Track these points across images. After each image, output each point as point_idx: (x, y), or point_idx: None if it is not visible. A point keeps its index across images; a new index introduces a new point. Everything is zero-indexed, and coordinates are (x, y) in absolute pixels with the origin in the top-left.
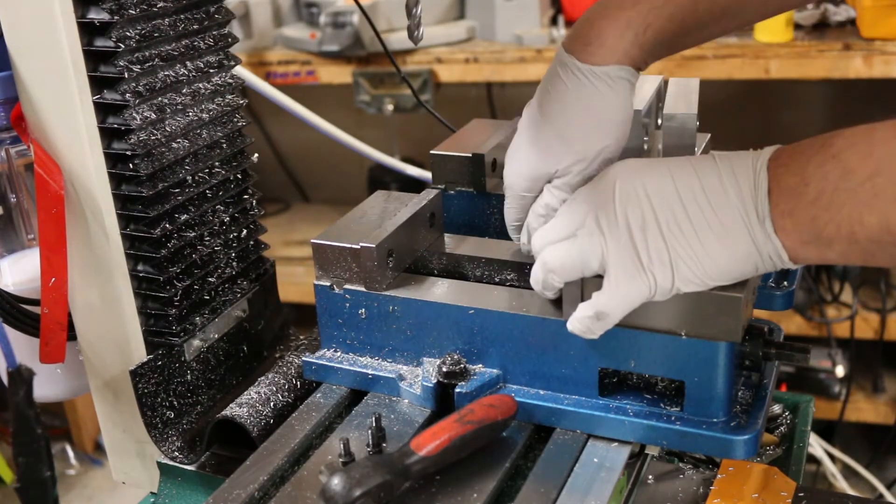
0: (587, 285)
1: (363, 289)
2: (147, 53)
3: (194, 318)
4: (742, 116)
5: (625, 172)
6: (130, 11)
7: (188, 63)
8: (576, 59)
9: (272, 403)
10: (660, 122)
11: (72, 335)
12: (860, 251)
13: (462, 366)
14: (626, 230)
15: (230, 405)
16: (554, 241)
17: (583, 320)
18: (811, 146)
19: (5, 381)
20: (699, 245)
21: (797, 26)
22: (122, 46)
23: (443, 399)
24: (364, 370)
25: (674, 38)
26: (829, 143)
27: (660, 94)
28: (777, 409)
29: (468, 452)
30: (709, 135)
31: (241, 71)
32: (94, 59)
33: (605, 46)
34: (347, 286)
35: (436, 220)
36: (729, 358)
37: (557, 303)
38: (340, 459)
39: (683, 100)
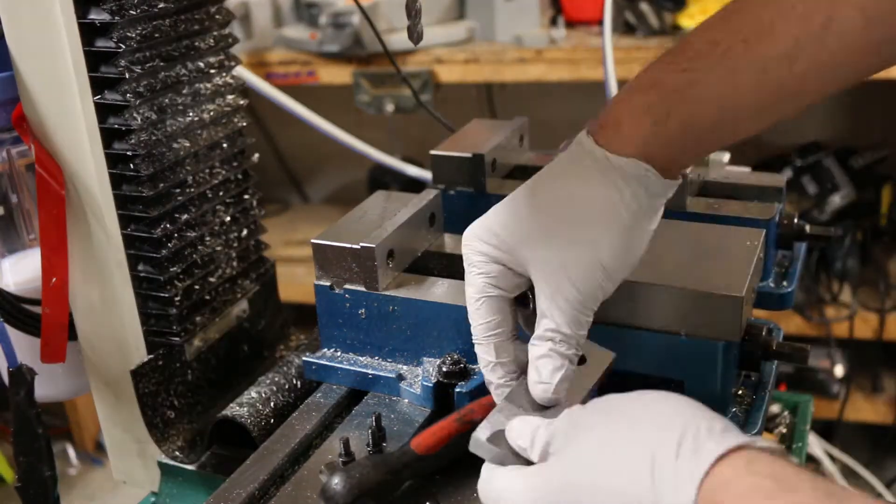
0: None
1: (363, 289)
2: (148, 54)
3: (195, 318)
4: None
5: None
6: (131, 12)
7: (189, 64)
8: (592, 139)
9: (272, 403)
10: None
11: (72, 335)
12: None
13: (462, 366)
14: None
15: (230, 405)
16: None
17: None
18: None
19: (6, 380)
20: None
21: None
22: (123, 47)
23: (442, 399)
24: (364, 370)
25: (710, 130)
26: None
27: None
28: (776, 408)
29: (468, 452)
30: None
31: (241, 71)
32: (94, 59)
33: (620, 132)
34: (347, 286)
35: (436, 220)
36: (728, 358)
37: None
38: (340, 459)
39: None
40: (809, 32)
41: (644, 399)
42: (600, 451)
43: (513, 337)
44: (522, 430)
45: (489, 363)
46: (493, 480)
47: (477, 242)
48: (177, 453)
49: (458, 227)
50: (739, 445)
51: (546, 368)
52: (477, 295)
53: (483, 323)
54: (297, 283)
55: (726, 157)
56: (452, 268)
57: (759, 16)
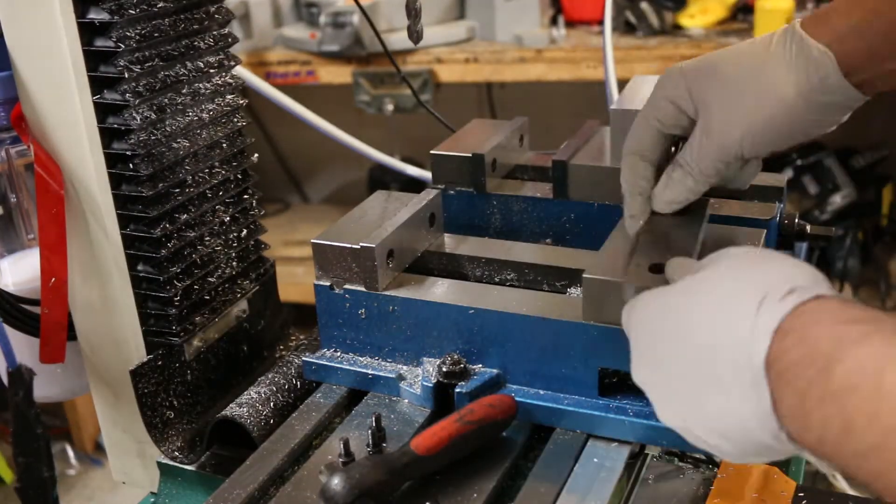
0: None
1: (363, 289)
2: (147, 53)
3: (194, 318)
4: None
5: None
6: (130, 11)
7: (188, 63)
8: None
9: (272, 403)
10: None
11: (72, 335)
12: None
13: (462, 366)
14: None
15: (230, 405)
16: None
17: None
18: (810, 360)
19: (5, 381)
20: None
21: None
22: (123, 46)
23: (443, 399)
24: (364, 370)
25: None
26: (829, 370)
27: None
28: None
29: (468, 452)
30: None
31: (241, 71)
32: (94, 59)
33: (826, 22)
34: (347, 286)
35: (436, 220)
36: None
37: (557, 303)
38: (340, 459)
39: None
40: None
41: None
42: (723, 278)
43: (654, 166)
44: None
45: (627, 184)
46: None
47: (664, 78)
48: (176, 453)
49: (458, 227)
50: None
51: (666, 190)
52: (644, 115)
53: (632, 140)
54: (297, 283)
55: None
56: (452, 268)
57: None
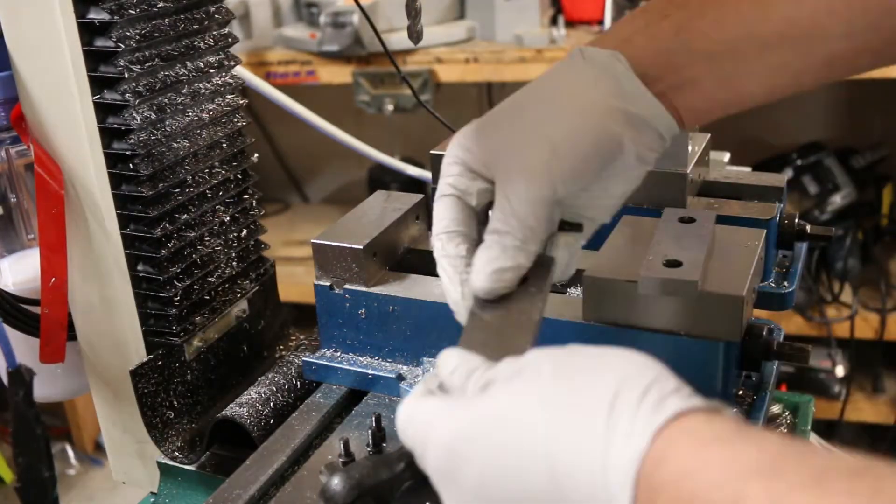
0: None
1: (363, 289)
2: (147, 53)
3: (194, 318)
4: (742, 116)
5: None
6: (130, 11)
7: (188, 63)
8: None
9: (272, 403)
10: None
11: (72, 335)
12: None
13: None
14: None
15: (230, 405)
16: None
17: None
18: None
19: (5, 381)
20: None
21: None
22: (123, 46)
23: None
24: (364, 370)
25: (706, 37)
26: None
27: None
28: (777, 409)
29: None
30: (708, 135)
31: (241, 71)
32: (94, 59)
33: (609, 34)
34: (347, 286)
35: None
36: (729, 358)
37: (557, 302)
38: (340, 459)
39: None
40: None
41: (606, 350)
42: (554, 386)
43: (469, 242)
44: (457, 365)
45: (442, 267)
46: (417, 409)
47: (451, 146)
48: (176, 453)
49: None
50: (702, 408)
51: (482, 257)
52: (437, 194)
53: (436, 220)
54: (297, 283)
55: (726, 156)
56: None
57: None
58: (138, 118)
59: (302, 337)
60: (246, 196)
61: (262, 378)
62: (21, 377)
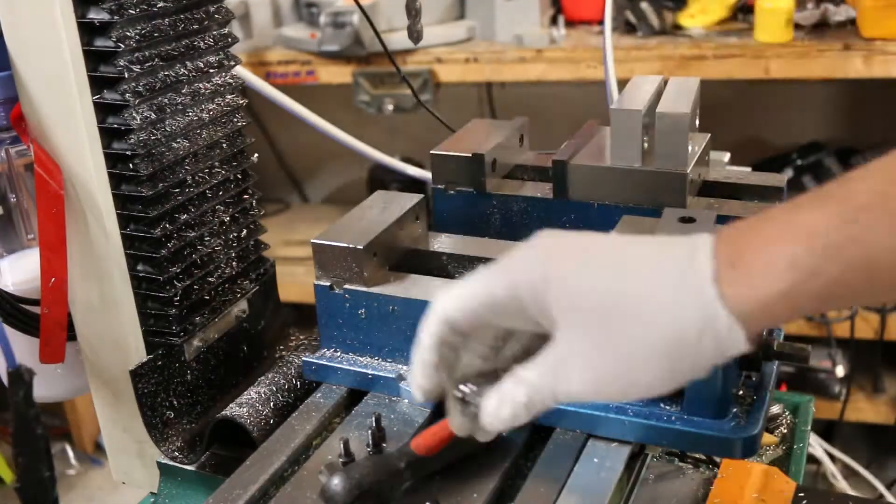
0: None
1: (363, 289)
2: (147, 53)
3: (194, 318)
4: (742, 116)
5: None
6: (130, 11)
7: (188, 63)
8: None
9: (272, 403)
10: None
11: (72, 335)
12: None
13: None
14: None
15: (230, 405)
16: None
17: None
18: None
19: (5, 381)
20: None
21: (797, 26)
22: (122, 46)
23: (443, 399)
24: (364, 370)
25: (857, 292)
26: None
27: (659, 94)
28: (777, 409)
29: (468, 452)
30: (708, 135)
31: (241, 71)
32: (94, 58)
33: (748, 282)
34: (347, 286)
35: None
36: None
37: None
38: (340, 459)
39: (678, 99)
40: None
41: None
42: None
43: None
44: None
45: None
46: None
47: (521, 259)
48: (176, 453)
49: (459, 227)
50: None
51: (506, 408)
52: (469, 286)
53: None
54: (297, 283)
55: (726, 156)
56: (452, 267)
57: None
58: (138, 118)
59: (302, 337)
60: (246, 196)
61: (262, 378)
62: (21, 377)
